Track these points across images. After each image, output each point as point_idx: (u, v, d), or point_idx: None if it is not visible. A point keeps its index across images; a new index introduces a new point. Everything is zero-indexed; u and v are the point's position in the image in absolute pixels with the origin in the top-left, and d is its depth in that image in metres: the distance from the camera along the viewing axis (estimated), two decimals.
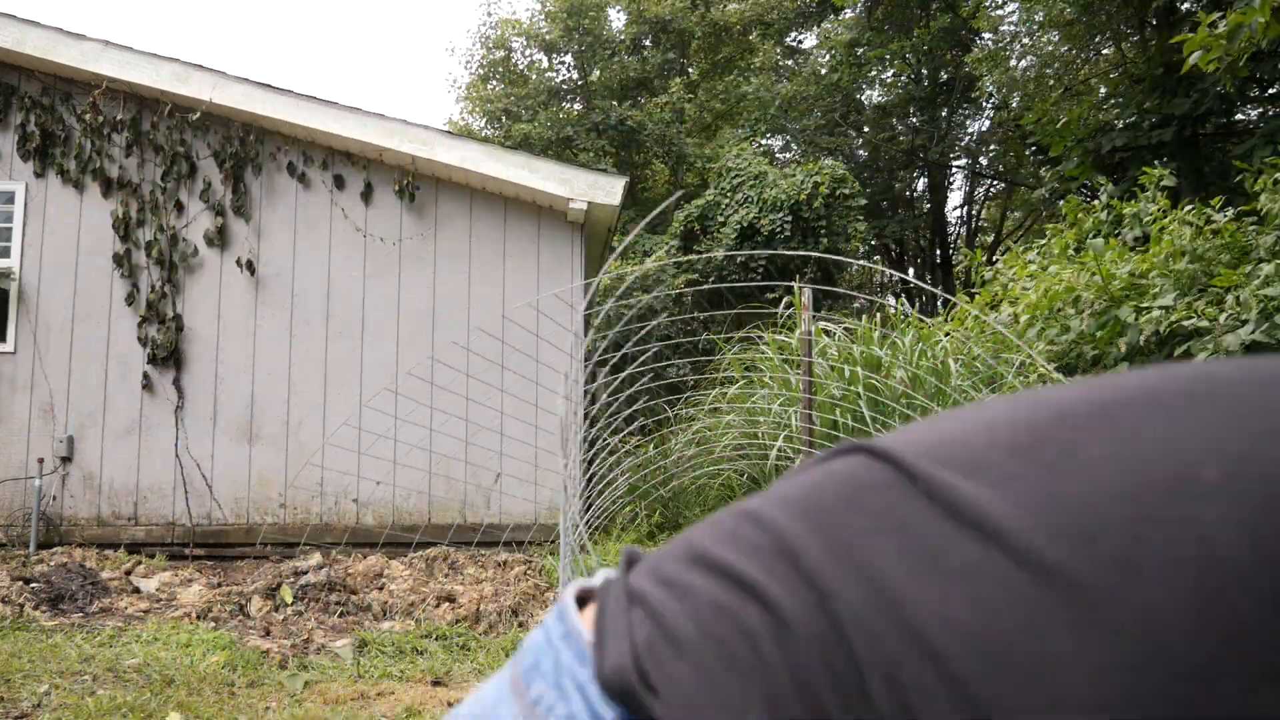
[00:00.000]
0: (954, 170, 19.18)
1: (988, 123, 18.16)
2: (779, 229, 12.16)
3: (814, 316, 3.96)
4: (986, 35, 15.82)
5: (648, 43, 20.37)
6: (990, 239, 21.05)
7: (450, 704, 2.89)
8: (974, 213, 20.84)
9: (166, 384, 5.83)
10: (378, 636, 3.76)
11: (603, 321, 14.02)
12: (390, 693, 3.00)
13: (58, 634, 3.73)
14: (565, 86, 21.14)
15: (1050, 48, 13.56)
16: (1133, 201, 5.96)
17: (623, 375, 4.55)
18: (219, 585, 4.61)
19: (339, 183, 6.02)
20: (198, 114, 5.91)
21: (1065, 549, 0.27)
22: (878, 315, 5.62)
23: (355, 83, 53.13)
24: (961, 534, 0.29)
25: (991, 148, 17.80)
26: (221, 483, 5.77)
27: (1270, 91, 10.58)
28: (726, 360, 6.33)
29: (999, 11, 15.33)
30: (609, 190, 5.85)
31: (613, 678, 0.31)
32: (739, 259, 12.30)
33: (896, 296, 20.13)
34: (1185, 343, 4.17)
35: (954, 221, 21.39)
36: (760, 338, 6.04)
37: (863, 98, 19.12)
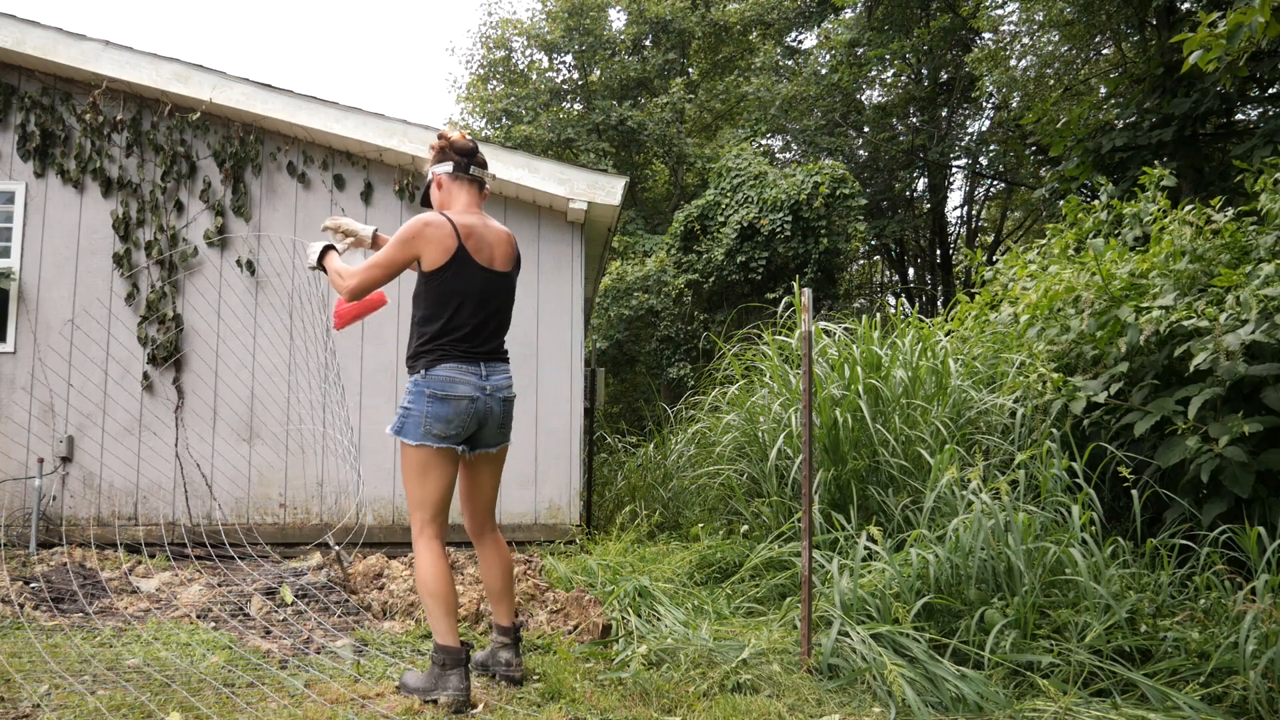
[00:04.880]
0: (954, 170, 19.17)
1: (988, 123, 18.15)
2: (779, 229, 12.15)
3: (813, 316, 3.96)
4: (986, 35, 15.82)
5: (648, 43, 20.36)
6: (990, 239, 21.04)
7: None
8: (974, 213, 20.83)
9: (166, 384, 5.83)
10: (378, 636, 3.76)
11: (604, 322, 14.01)
12: (390, 693, 3.00)
13: (58, 634, 3.73)
14: (565, 87, 21.14)
15: (1050, 48, 13.56)
16: (1133, 201, 5.96)
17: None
18: (219, 585, 4.60)
19: (339, 183, 6.02)
20: (198, 114, 5.91)
21: None
22: (878, 315, 5.62)
23: (355, 83, 53.06)
24: None
25: (991, 148, 17.80)
26: (221, 482, 5.77)
27: (1270, 91, 10.57)
28: (726, 360, 6.33)
29: (999, 11, 15.33)
30: (609, 190, 5.85)
31: None
32: (739, 259, 12.29)
33: (896, 296, 20.12)
34: (1185, 343, 4.17)
35: (954, 221, 21.39)
36: (760, 337, 6.05)
37: (863, 98, 19.12)
